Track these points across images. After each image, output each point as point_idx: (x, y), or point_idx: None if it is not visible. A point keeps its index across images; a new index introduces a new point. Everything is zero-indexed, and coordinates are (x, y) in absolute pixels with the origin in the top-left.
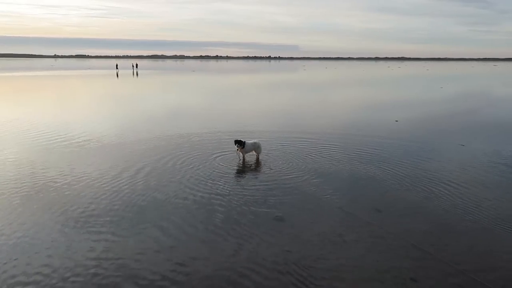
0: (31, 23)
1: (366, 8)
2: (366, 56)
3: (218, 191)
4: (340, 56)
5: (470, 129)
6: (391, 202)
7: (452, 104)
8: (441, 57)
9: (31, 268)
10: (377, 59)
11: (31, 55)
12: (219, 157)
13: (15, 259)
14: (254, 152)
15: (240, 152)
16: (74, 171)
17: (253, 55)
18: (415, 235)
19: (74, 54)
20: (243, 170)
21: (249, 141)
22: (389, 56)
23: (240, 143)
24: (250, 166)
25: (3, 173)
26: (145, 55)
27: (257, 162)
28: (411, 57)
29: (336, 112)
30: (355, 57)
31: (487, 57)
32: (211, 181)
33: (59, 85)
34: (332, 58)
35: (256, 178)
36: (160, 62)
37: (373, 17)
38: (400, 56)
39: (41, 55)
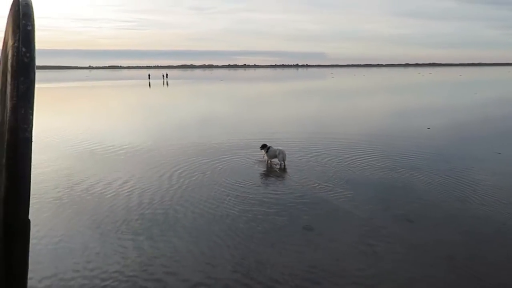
0: (68, 36)
1: (393, 13)
2: (396, 63)
3: (245, 199)
4: (369, 63)
5: (507, 137)
6: (423, 211)
7: (487, 110)
8: (475, 62)
9: (63, 273)
10: (407, 65)
11: (68, 66)
12: (248, 165)
13: (50, 264)
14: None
15: (265, 156)
16: (108, 178)
17: (281, 63)
18: (449, 246)
19: (107, 65)
20: (270, 177)
21: (274, 147)
22: (420, 62)
23: (264, 147)
24: (277, 174)
25: (43, 179)
26: (175, 65)
27: (282, 169)
28: (443, 62)
29: (365, 120)
30: (384, 63)
31: None
32: (239, 188)
33: (95, 95)
34: (360, 65)
35: (284, 186)
36: (189, 72)
37: (400, 22)
38: (431, 62)
39: (77, 67)
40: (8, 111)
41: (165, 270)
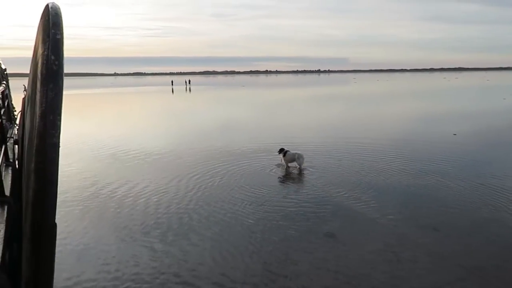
0: (94, 44)
1: (417, 18)
2: (420, 67)
3: (265, 205)
4: (392, 68)
5: None
6: (450, 220)
7: None
8: (503, 66)
9: (89, 275)
10: (432, 70)
11: (94, 73)
12: (267, 169)
13: (76, 267)
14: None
15: (283, 160)
16: (131, 183)
17: (302, 69)
18: (478, 256)
19: (131, 72)
20: (291, 182)
21: (292, 151)
22: (445, 67)
23: (282, 151)
24: (297, 179)
25: (69, 184)
26: (197, 71)
27: (300, 173)
28: (469, 67)
29: (388, 125)
30: (408, 68)
31: None
32: (258, 193)
33: (120, 101)
34: (383, 70)
35: (305, 192)
36: (211, 78)
37: (425, 27)
38: (457, 66)
39: (103, 74)
40: (37, 117)
41: (179, 280)
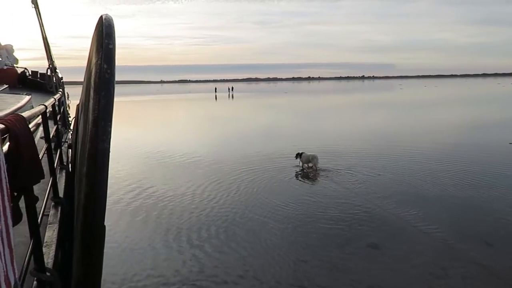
0: (141, 53)
1: (470, 21)
2: (472, 73)
3: (304, 212)
4: (441, 74)
5: None
6: (504, 235)
7: None
8: None
9: (134, 276)
10: (484, 75)
11: (141, 81)
12: (308, 175)
13: (122, 267)
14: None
15: (300, 162)
16: (175, 186)
17: (346, 75)
18: None
19: (177, 80)
20: (333, 189)
21: (307, 153)
22: (499, 72)
23: (298, 155)
24: (339, 187)
25: (116, 186)
26: (240, 78)
27: (315, 173)
28: None
29: (437, 133)
30: (458, 74)
31: None
32: (297, 201)
33: (166, 108)
34: (432, 76)
35: (347, 200)
36: (253, 85)
37: (478, 30)
38: None
39: (149, 81)
40: (89, 123)
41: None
